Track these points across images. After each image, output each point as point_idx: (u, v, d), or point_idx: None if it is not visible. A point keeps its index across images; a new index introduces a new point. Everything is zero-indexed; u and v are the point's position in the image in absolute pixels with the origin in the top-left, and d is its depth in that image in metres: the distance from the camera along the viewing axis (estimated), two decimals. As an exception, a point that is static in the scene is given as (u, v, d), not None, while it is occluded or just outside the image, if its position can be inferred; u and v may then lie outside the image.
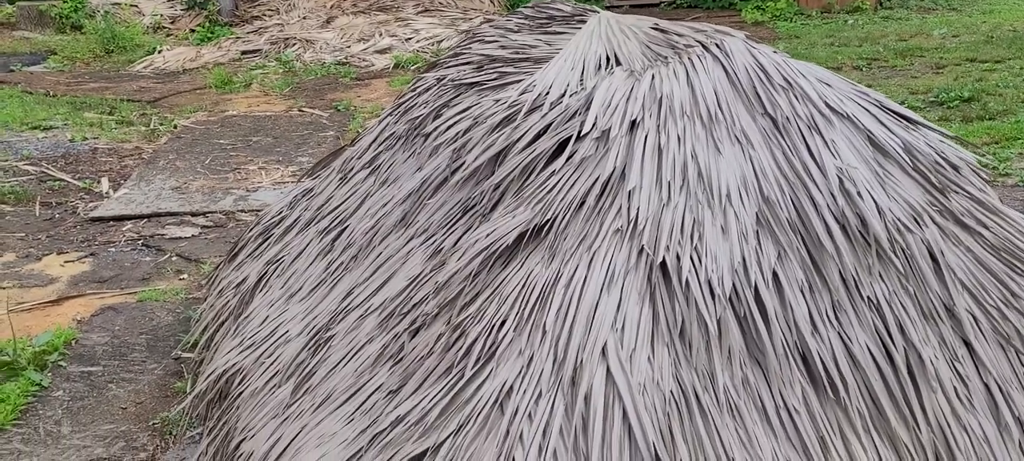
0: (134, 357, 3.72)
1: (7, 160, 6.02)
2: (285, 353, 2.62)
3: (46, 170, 5.89)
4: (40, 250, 4.77)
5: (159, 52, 9.08)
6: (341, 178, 3.36)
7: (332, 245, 2.95)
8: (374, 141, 3.31)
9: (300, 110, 7.38)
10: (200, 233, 5.00)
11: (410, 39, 9.14)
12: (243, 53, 9.12)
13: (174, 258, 4.66)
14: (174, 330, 3.92)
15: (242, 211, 5.27)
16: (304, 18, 9.69)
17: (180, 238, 4.93)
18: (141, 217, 5.17)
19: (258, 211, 5.21)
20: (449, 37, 9.09)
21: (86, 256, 4.69)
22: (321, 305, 2.71)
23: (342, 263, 2.81)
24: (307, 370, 2.41)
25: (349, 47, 8.99)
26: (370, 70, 8.59)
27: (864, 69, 7.64)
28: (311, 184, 3.60)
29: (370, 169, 3.16)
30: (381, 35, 9.22)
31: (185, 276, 4.45)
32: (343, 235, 2.92)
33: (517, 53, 2.81)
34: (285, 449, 2.21)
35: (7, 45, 9.53)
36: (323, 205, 3.28)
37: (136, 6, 10.11)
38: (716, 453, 1.76)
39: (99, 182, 5.73)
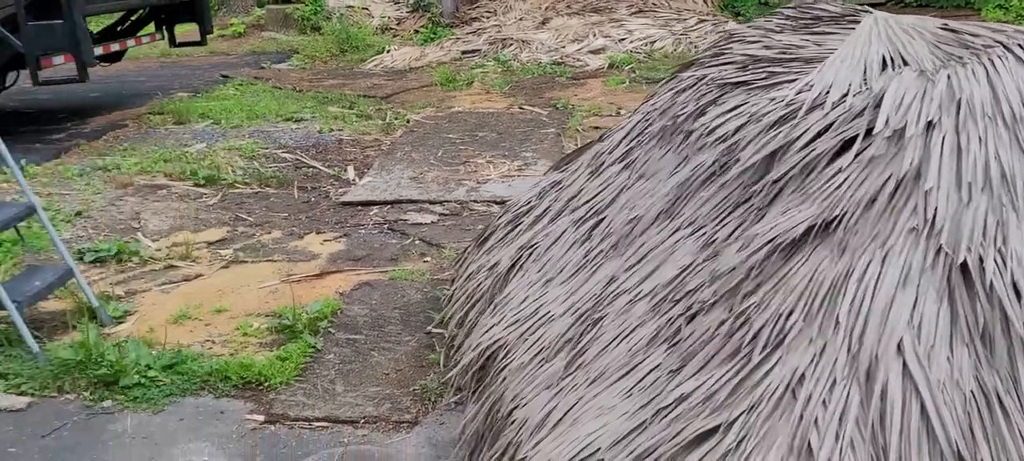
0: (390, 329, 4.07)
1: (268, 148, 6.73)
2: (550, 331, 2.80)
3: (300, 158, 6.52)
4: (301, 229, 5.30)
5: (387, 51, 9.75)
6: (591, 172, 3.52)
7: (590, 234, 3.11)
8: (626, 137, 3.45)
9: (520, 107, 7.69)
10: (438, 220, 5.37)
11: (623, 40, 9.27)
12: (463, 53, 9.62)
13: (417, 242, 5.04)
14: (423, 307, 4.25)
15: (474, 201, 5.59)
16: (520, 19, 10.05)
17: (421, 224, 5.31)
18: (385, 203, 5.62)
19: (490, 202, 5.52)
20: (662, 38, 9.13)
21: (340, 236, 5.17)
22: (582, 288, 2.88)
23: (602, 251, 2.96)
24: (578, 348, 2.57)
25: (564, 47, 9.25)
26: (585, 70, 8.80)
27: None
28: (559, 176, 3.79)
29: (624, 164, 3.30)
30: (595, 36, 9.41)
31: (428, 259, 4.80)
32: (601, 225, 3.07)
33: (783, 53, 2.84)
34: (562, 418, 2.38)
35: (257, 44, 10.58)
36: (574, 197, 3.46)
37: (367, 9, 10.89)
38: (1020, 457, 1.74)
39: (346, 170, 6.28)
